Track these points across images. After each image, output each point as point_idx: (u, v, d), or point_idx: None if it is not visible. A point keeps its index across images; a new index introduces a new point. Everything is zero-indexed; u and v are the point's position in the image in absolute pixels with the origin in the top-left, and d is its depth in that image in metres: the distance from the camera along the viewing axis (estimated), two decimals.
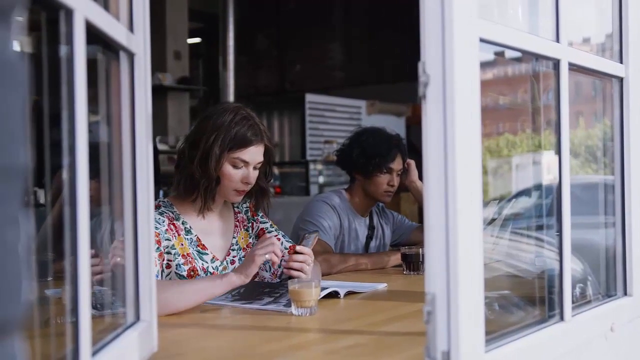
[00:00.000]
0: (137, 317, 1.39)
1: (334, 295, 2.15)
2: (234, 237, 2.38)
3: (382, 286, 2.38)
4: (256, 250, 2.02)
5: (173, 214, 2.25)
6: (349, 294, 2.21)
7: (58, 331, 1.35)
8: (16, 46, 0.61)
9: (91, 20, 1.08)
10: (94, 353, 1.12)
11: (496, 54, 1.50)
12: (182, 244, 2.22)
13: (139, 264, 1.40)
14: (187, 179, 2.24)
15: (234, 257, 2.36)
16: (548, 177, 1.91)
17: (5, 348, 0.58)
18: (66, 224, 1.03)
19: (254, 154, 2.24)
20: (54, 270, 1.35)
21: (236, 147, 2.20)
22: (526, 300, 1.76)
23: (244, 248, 2.39)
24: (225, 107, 2.29)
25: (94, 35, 1.13)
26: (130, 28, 1.36)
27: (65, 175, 1.03)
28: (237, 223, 2.42)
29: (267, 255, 2.00)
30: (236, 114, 2.23)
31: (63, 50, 1.03)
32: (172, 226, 2.21)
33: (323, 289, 2.06)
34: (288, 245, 2.42)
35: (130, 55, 1.36)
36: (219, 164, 2.20)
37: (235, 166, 2.22)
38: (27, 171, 0.61)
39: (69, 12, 1.01)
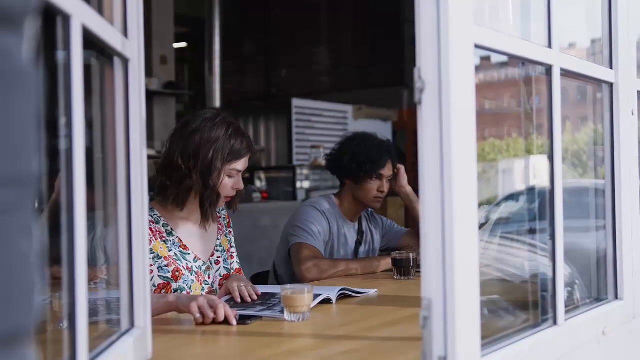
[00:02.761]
0: (132, 324, 1.38)
1: (326, 300, 2.15)
2: (217, 239, 2.45)
3: (373, 292, 2.39)
4: (196, 304, 1.88)
5: (153, 217, 2.29)
6: (342, 297, 2.21)
7: (51, 338, 1.34)
8: (28, 53, 0.61)
9: (88, 26, 1.07)
10: None
11: (482, 58, 1.50)
12: (161, 247, 2.26)
13: (134, 270, 1.39)
14: (185, 192, 2.28)
15: (218, 257, 2.43)
16: (535, 182, 1.92)
17: (19, 357, 0.57)
18: (63, 230, 1.03)
19: (245, 162, 2.35)
20: (46, 276, 1.34)
21: (234, 159, 2.30)
22: (518, 305, 1.77)
23: (226, 250, 2.48)
24: (213, 119, 2.31)
25: (89, 41, 1.12)
26: (125, 34, 1.36)
27: (62, 181, 1.02)
28: (220, 226, 2.49)
29: (197, 315, 1.86)
30: (228, 127, 2.30)
31: (60, 55, 1.03)
32: (149, 230, 2.23)
33: (315, 295, 2.06)
34: (236, 267, 2.49)
35: (125, 61, 1.36)
36: (219, 177, 2.28)
37: (230, 176, 2.31)
38: (38, 179, 0.61)
39: (66, 18, 1.00)
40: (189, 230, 2.36)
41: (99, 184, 1.39)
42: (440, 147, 1.18)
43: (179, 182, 2.26)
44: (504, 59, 1.60)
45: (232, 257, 2.51)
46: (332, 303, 2.15)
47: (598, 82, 1.88)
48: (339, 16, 9.82)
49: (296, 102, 8.16)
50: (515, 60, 1.62)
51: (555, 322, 1.54)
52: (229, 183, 2.31)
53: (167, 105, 7.84)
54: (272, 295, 2.22)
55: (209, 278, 2.35)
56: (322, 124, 8.29)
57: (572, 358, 1.61)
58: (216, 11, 8.39)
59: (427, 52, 1.19)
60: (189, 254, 2.32)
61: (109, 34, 1.22)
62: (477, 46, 1.26)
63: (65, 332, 1.07)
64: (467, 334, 1.20)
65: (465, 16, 1.21)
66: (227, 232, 2.52)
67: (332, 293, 2.18)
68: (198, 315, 1.86)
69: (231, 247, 2.53)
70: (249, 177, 7.30)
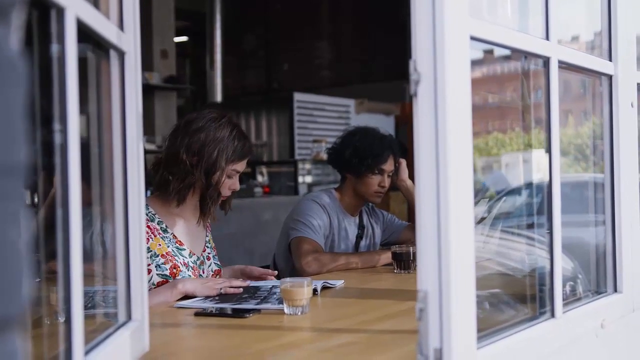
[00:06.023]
0: (129, 317, 1.39)
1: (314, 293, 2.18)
2: (207, 236, 2.51)
3: (340, 283, 2.42)
4: (216, 285, 2.17)
5: (147, 215, 2.31)
6: (323, 288, 2.26)
7: (48, 331, 1.34)
8: (16, 44, 0.61)
9: (82, 19, 1.07)
10: (86, 352, 1.11)
11: (485, 51, 1.50)
12: (159, 245, 2.29)
13: (130, 263, 1.39)
14: (187, 188, 2.32)
15: (208, 253, 2.48)
16: (538, 176, 1.92)
17: (7, 344, 0.58)
18: (58, 225, 1.03)
19: (244, 164, 2.41)
20: (43, 270, 1.34)
21: (236, 160, 2.35)
22: (517, 297, 1.76)
23: (213, 247, 2.54)
24: (217, 119, 2.35)
25: (84, 34, 1.12)
26: (121, 26, 1.36)
27: (57, 175, 1.02)
28: (208, 225, 2.53)
29: (222, 290, 2.16)
30: (233, 128, 2.36)
31: (54, 48, 1.02)
32: (146, 228, 2.24)
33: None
34: (215, 268, 2.51)
35: (121, 54, 1.36)
36: (222, 176, 2.32)
37: (229, 176, 2.36)
38: (26, 169, 0.61)
39: (60, 11, 1.00)
40: (181, 227, 2.40)
41: (96, 178, 1.39)
42: (436, 140, 1.18)
43: (182, 178, 2.29)
44: (508, 52, 1.59)
45: (209, 260, 2.54)
46: (317, 294, 2.17)
47: (597, 75, 1.87)
48: (340, 10, 9.81)
49: (298, 97, 8.15)
50: (515, 52, 1.62)
51: (552, 315, 1.54)
52: (227, 183, 2.36)
53: (168, 99, 7.84)
54: (258, 288, 2.23)
55: (202, 272, 2.39)
56: (324, 118, 8.29)
57: (569, 351, 1.61)
58: (217, 5, 8.40)
59: (422, 44, 1.19)
60: (184, 249, 2.36)
61: (104, 27, 1.22)
62: (473, 38, 1.26)
63: (62, 326, 1.07)
64: (463, 325, 1.20)
65: (460, 8, 1.21)
66: (211, 230, 2.58)
67: (317, 285, 2.22)
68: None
69: (214, 246, 2.58)
70: (250, 172, 7.30)
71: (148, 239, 2.25)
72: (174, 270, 2.27)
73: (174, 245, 2.32)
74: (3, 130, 0.58)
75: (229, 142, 2.31)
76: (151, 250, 2.25)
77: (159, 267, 2.25)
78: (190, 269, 2.33)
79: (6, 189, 0.58)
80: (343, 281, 2.45)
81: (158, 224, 2.33)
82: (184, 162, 2.28)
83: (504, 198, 2.38)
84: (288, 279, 1.98)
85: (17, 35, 0.61)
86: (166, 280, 2.24)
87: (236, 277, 2.48)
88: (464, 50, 1.22)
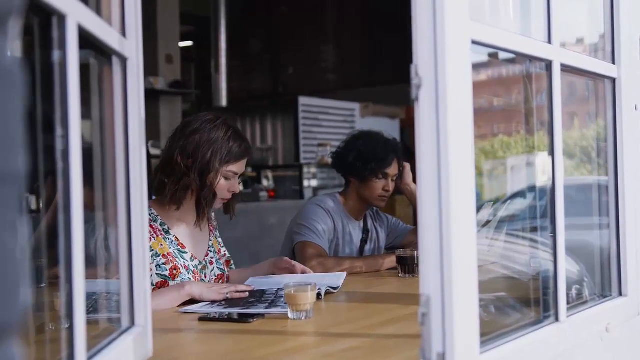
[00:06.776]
0: (132, 322, 1.39)
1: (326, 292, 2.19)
2: (209, 240, 2.50)
3: (342, 275, 2.46)
4: (222, 289, 2.18)
5: (150, 215, 2.32)
6: (327, 293, 2.26)
7: (52, 337, 1.34)
8: (13, 52, 0.61)
9: (84, 25, 1.08)
10: (89, 358, 1.11)
11: (490, 55, 1.50)
12: (161, 245, 2.30)
13: (134, 269, 1.39)
14: (183, 190, 2.31)
15: (211, 258, 2.48)
16: (543, 179, 1.91)
17: (4, 352, 0.58)
18: (60, 230, 1.03)
19: (242, 166, 2.39)
20: (47, 276, 1.35)
21: (232, 161, 2.34)
22: (521, 301, 1.76)
23: (217, 251, 2.52)
24: (213, 120, 2.35)
25: (86, 40, 1.13)
26: (123, 33, 1.36)
27: (59, 181, 1.02)
28: (211, 228, 2.53)
29: (228, 295, 2.16)
30: (228, 129, 2.35)
31: (55, 55, 1.03)
32: (149, 228, 2.25)
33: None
34: (218, 273, 2.50)
35: (123, 60, 1.36)
36: (216, 177, 2.31)
37: (226, 178, 2.35)
38: (24, 177, 0.61)
39: (62, 18, 1.01)
40: (184, 230, 2.40)
41: (99, 184, 1.39)
42: (437, 144, 1.18)
43: (177, 180, 2.30)
44: (512, 55, 1.59)
45: (221, 258, 2.53)
46: (321, 299, 2.16)
47: (601, 78, 1.87)
48: (345, 13, 9.80)
49: (303, 100, 8.15)
50: (519, 56, 1.62)
51: (557, 319, 1.54)
52: (225, 185, 2.35)
53: (174, 104, 7.84)
54: (264, 292, 2.23)
55: (205, 277, 2.39)
56: (329, 122, 8.28)
57: (574, 355, 1.61)
58: (222, 9, 8.40)
59: (423, 49, 1.19)
60: (186, 252, 2.36)
61: (105, 33, 1.22)
62: (474, 42, 1.26)
63: (65, 332, 1.07)
64: (466, 330, 1.20)
65: (461, 12, 1.21)
66: (216, 234, 2.58)
67: (323, 284, 2.23)
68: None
69: (221, 247, 2.57)
70: (256, 176, 7.30)
71: (150, 238, 2.25)
72: (174, 272, 2.27)
73: (176, 247, 2.33)
74: (0, 138, 0.58)
75: (223, 142, 2.31)
76: (153, 250, 2.25)
77: (160, 267, 2.26)
78: (190, 272, 2.33)
79: (3, 197, 0.58)
80: (345, 273, 2.47)
81: (161, 225, 2.33)
82: (178, 165, 2.29)
83: (509, 201, 2.38)
84: (292, 284, 1.98)
85: (15, 42, 0.62)
86: (165, 281, 2.24)
87: (275, 272, 2.50)
88: (465, 54, 1.22)
